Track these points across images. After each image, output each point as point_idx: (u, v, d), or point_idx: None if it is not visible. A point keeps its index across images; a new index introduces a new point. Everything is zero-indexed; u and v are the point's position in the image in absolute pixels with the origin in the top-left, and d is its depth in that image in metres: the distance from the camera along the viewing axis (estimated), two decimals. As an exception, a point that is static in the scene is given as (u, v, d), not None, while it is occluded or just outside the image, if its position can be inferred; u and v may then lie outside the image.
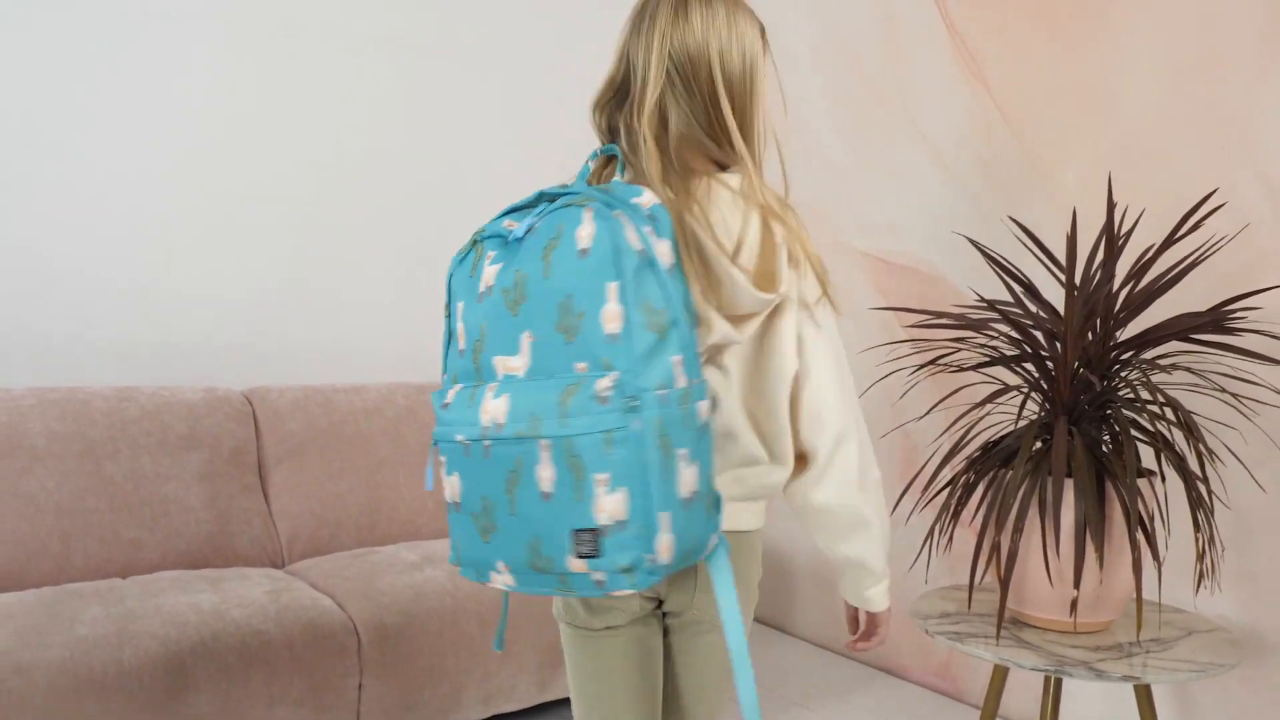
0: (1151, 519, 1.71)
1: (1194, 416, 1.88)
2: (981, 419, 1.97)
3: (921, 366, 1.91)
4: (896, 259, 2.82)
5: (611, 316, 1.03)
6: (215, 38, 2.76)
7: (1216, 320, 1.77)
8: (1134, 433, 1.79)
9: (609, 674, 1.29)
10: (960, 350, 1.93)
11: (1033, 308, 1.93)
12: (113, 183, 2.64)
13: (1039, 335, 1.86)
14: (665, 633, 1.33)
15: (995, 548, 1.73)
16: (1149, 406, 1.79)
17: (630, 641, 1.29)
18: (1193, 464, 1.88)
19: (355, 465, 2.68)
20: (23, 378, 2.54)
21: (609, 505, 1.01)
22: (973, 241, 1.95)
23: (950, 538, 1.82)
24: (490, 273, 1.11)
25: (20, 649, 1.77)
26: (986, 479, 1.81)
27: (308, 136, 2.92)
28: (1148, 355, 1.87)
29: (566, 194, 1.11)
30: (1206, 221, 2.04)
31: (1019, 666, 1.66)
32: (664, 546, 1.03)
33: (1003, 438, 1.87)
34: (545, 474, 1.03)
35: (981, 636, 1.76)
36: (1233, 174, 2.09)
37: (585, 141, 1.36)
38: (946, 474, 2.06)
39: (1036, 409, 1.92)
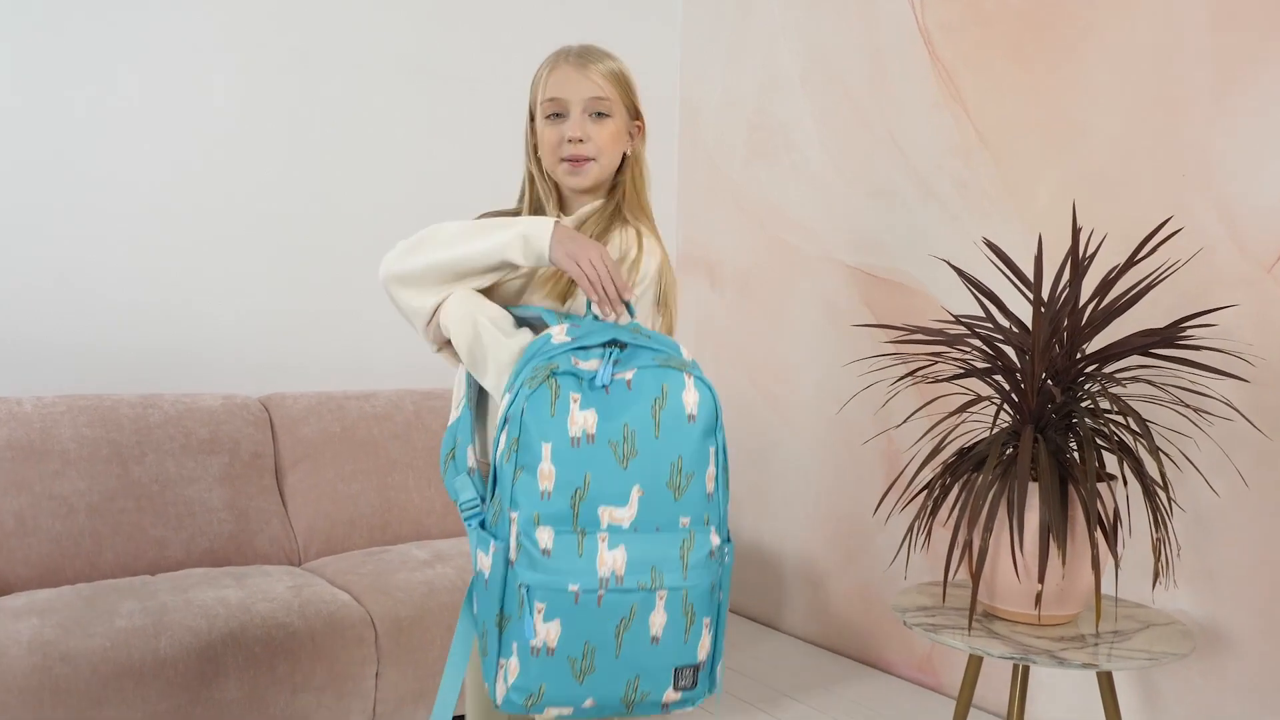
0: (1112, 520, 1.86)
1: (1152, 426, 2.03)
2: (958, 426, 2.12)
3: (902, 378, 2.06)
4: (881, 273, 2.97)
5: (711, 478, 1.20)
6: (236, 62, 2.90)
7: (1171, 336, 1.92)
8: (1097, 440, 1.94)
9: None
10: (938, 363, 2.08)
11: (1004, 323, 2.09)
12: (136, 203, 2.78)
13: (1009, 349, 2.01)
14: None
15: (968, 545, 1.88)
16: (1110, 416, 1.95)
17: None
18: (1151, 470, 2.03)
19: (367, 468, 2.82)
20: (53, 385, 2.68)
21: (707, 643, 1.21)
22: (949, 263, 2.10)
23: (929, 536, 1.97)
24: (586, 419, 1.18)
25: (65, 639, 1.91)
26: (960, 482, 1.96)
27: (323, 160, 3.07)
28: (1110, 369, 2.02)
29: (645, 347, 1.23)
30: (1166, 244, 2.20)
31: (988, 655, 1.81)
32: (720, 671, 1.26)
33: (976, 444, 2.02)
34: (658, 620, 1.18)
35: (955, 628, 1.91)
36: (1190, 201, 2.25)
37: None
38: (925, 476, 2.21)
39: (1009, 418, 2.07)
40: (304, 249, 3.05)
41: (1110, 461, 2.25)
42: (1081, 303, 2.02)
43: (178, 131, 2.83)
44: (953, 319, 2.11)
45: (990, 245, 2.11)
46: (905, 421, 2.20)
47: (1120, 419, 1.94)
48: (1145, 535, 2.26)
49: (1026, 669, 1.92)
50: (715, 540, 1.20)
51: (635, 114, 1.51)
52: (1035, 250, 2.01)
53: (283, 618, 2.11)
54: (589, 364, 1.22)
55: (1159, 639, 1.90)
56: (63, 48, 2.65)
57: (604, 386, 1.19)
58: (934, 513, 1.98)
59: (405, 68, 3.19)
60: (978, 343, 2.03)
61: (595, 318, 1.33)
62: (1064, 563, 1.82)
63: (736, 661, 3.06)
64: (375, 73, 3.14)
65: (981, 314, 2.12)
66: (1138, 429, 1.86)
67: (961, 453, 2.03)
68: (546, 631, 1.17)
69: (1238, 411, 1.98)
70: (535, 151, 1.52)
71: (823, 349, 3.15)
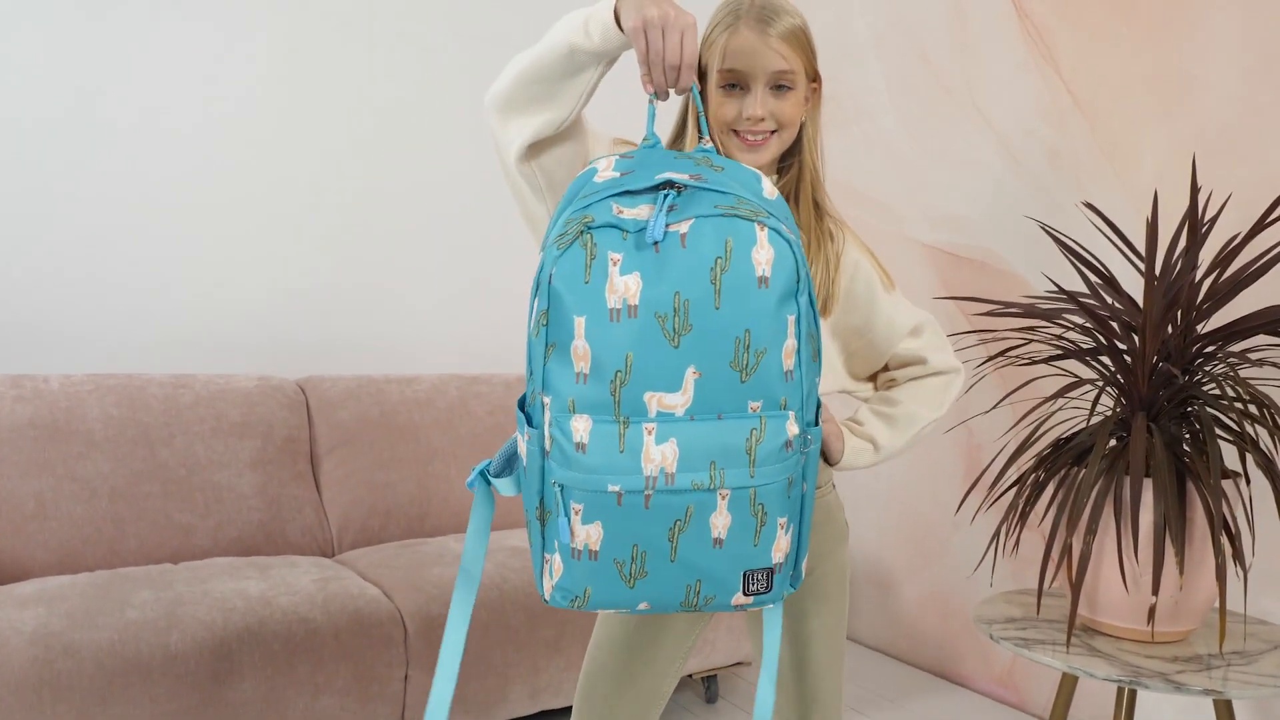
0: (1236, 522, 1.60)
1: (1283, 415, 1.76)
2: (1051, 415, 1.87)
3: (991, 358, 1.82)
4: (963, 252, 2.72)
5: (789, 353, 0.96)
6: (271, 36, 2.76)
7: (1310, 312, 1.66)
8: (1217, 430, 1.69)
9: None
10: (1030, 342, 1.84)
11: (1108, 299, 1.84)
12: (170, 177, 2.65)
13: (1116, 327, 1.77)
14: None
15: (1066, 550, 1.64)
16: (1234, 403, 1.69)
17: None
18: (1281, 466, 1.76)
19: (406, 456, 2.66)
20: (82, 364, 2.57)
21: (784, 544, 1.00)
22: (1044, 227, 1.85)
23: (1018, 539, 1.73)
24: (627, 286, 0.95)
25: (70, 630, 1.77)
26: (1057, 478, 1.72)
27: (362, 132, 2.92)
28: (1233, 349, 1.76)
29: (706, 189, 0.98)
30: (1298, 210, 1.93)
31: (1091, 676, 1.57)
32: (803, 566, 1.06)
33: (1074, 434, 1.77)
34: (720, 521, 0.97)
35: (1050, 644, 1.67)
36: (1327, 160, 1.97)
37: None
38: (1013, 473, 1.97)
39: (1110, 404, 1.82)
40: (345, 227, 2.91)
41: (1229, 456, 1.98)
42: (1200, 274, 1.77)
43: (215, 106, 2.70)
44: (1052, 292, 1.86)
45: (1093, 208, 1.86)
46: (994, 408, 1.96)
47: (1245, 406, 1.68)
48: (1268, 541, 1.99)
49: (1134, 693, 1.68)
50: (793, 429, 0.96)
51: (814, 76, 1.30)
52: (1149, 213, 1.75)
53: (305, 613, 1.95)
54: (636, 211, 0.98)
55: (1292, 662, 1.64)
56: (89, 34, 2.53)
57: (654, 243, 0.95)
58: (1025, 513, 1.74)
59: (449, 37, 3.03)
60: (1079, 319, 1.78)
61: (654, 142, 1.08)
62: (1181, 571, 1.57)
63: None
64: (416, 43, 2.98)
65: (1081, 289, 1.87)
66: (1267, 418, 1.60)
67: (1058, 444, 1.78)
68: (586, 534, 0.98)
69: (1386, 400, 1.71)
70: (697, 118, 1.30)
71: (895, 334, 2.91)
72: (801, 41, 1.25)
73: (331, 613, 1.98)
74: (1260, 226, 1.73)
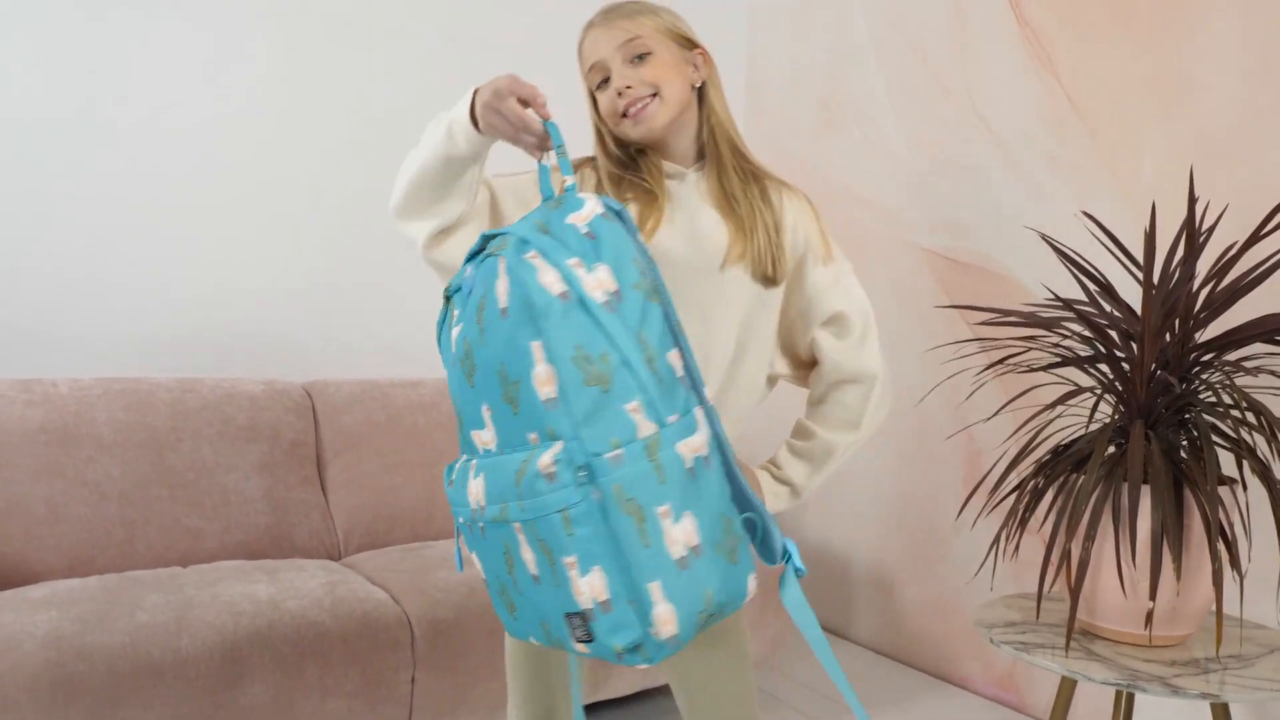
0: (1232, 529, 1.63)
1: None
2: (1051, 422, 1.90)
3: (990, 366, 1.85)
4: (962, 256, 2.74)
5: (543, 380, 0.93)
6: (271, 35, 2.78)
7: (1305, 321, 1.68)
8: (1214, 438, 1.71)
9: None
10: (1030, 350, 1.86)
11: (1107, 306, 1.86)
12: (171, 177, 2.68)
13: (1114, 335, 1.79)
14: None
15: (1065, 556, 1.66)
16: (1231, 411, 1.71)
17: None
18: (1278, 472, 1.79)
19: (411, 459, 2.68)
20: (90, 369, 2.59)
21: (586, 588, 0.93)
22: (1045, 237, 1.88)
23: (1017, 545, 1.75)
24: (454, 337, 1.05)
25: (83, 634, 1.80)
26: (1056, 484, 1.74)
27: (362, 132, 2.94)
28: (1230, 357, 1.78)
29: (501, 233, 1.04)
30: (1294, 218, 1.95)
31: (1089, 680, 1.59)
32: (664, 618, 0.93)
33: (1073, 441, 1.80)
34: (528, 556, 0.97)
35: (1049, 647, 1.70)
36: (1323, 169, 1.99)
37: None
38: (1014, 479, 2.00)
39: (1109, 412, 1.84)
40: (351, 231, 2.93)
41: (1226, 462, 2.01)
42: (1197, 283, 1.79)
43: (215, 106, 2.72)
44: (1051, 300, 1.88)
45: (1090, 217, 1.88)
46: (994, 415, 1.99)
47: (1242, 414, 1.70)
48: (1264, 546, 2.02)
49: (1131, 697, 1.70)
50: (547, 460, 0.91)
51: (690, 45, 1.32)
52: (1148, 223, 1.78)
53: (313, 616, 1.98)
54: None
55: (1288, 666, 1.66)
56: (89, 35, 2.55)
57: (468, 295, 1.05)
58: (1025, 519, 1.76)
59: (448, 37, 3.05)
60: (1078, 327, 1.80)
61: (547, 197, 1.14)
62: (1179, 577, 1.60)
63: (799, 671, 2.86)
64: (416, 43, 3.00)
65: (1080, 297, 1.89)
66: (1264, 425, 1.62)
67: (1057, 451, 1.81)
68: (474, 560, 1.10)
69: (1381, 408, 1.73)
70: (602, 125, 1.34)
71: (896, 338, 2.93)
72: (645, 11, 1.29)
73: (339, 616, 2.00)
74: (1256, 237, 1.75)
